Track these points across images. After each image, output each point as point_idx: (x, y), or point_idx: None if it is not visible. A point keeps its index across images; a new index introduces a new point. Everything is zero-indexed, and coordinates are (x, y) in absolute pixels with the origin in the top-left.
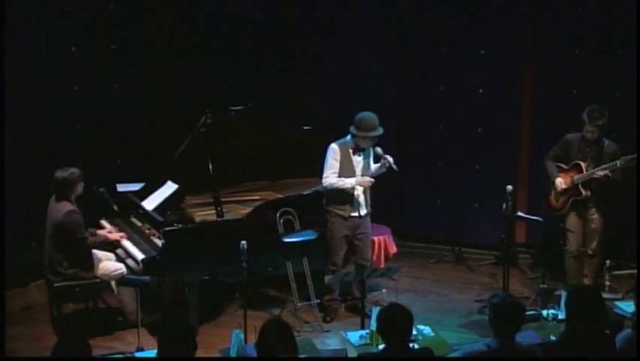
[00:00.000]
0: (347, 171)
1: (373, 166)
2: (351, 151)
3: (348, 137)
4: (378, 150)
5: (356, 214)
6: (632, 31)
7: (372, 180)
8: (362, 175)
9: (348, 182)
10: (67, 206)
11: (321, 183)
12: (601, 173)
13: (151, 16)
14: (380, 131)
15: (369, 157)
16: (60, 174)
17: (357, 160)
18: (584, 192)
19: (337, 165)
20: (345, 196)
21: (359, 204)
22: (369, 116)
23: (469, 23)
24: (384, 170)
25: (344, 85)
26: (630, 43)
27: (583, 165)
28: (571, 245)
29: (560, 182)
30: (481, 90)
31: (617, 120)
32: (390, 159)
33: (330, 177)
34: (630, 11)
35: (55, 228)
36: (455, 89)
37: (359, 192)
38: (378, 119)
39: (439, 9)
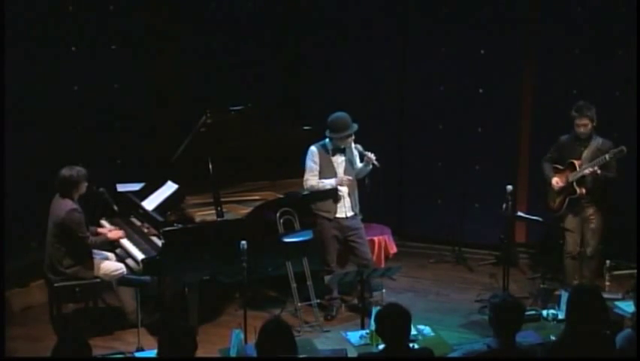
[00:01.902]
0: (328, 172)
1: (359, 165)
2: (330, 153)
3: (327, 139)
4: (359, 147)
5: (342, 215)
6: (632, 31)
7: (351, 178)
8: (345, 175)
9: (327, 183)
10: (69, 204)
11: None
12: (589, 170)
13: (151, 16)
14: (354, 128)
15: (351, 156)
16: (66, 171)
17: (338, 161)
18: (578, 190)
19: (316, 167)
20: (329, 199)
21: (344, 205)
22: (340, 116)
23: (469, 23)
24: (369, 167)
25: (344, 85)
26: (630, 43)
27: (577, 163)
28: (568, 246)
29: (557, 182)
30: (481, 90)
31: (617, 120)
32: (371, 155)
33: (310, 179)
34: (630, 11)
35: (56, 226)
36: (455, 89)
37: (344, 193)
38: (351, 118)
39: (439, 9)
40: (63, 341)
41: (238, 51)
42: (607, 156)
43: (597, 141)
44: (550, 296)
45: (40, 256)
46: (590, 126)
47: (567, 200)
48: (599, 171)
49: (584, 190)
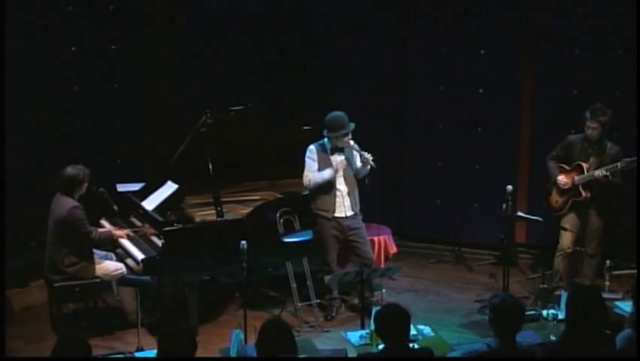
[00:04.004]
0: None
1: (359, 164)
2: (329, 152)
3: (326, 139)
4: (356, 146)
5: (341, 215)
6: (632, 31)
7: (344, 161)
8: (344, 175)
9: (325, 173)
10: (70, 202)
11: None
12: (601, 174)
13: (151, 17)
14: (351, 127)
15: (350, 155)
16: (71, 170)
17: (337, 160)
18: (583, 193)
19: (315, 164)
20: (328, 198)
21: (343, 205)
22: (337, 115)
23: (469, 23)
24: (367, 167)
25: (344, 85)
26: (630, 43)
27: (584, 166)
28: (563, 244)
29: (561, 181)
30: (481, 90)
31: (617, 120)
32: (368, 156)
33: (309, 175)
34: (630, 11)
35: (58, 224)
36: (455, 89)
37: (344, 193)
38: (351, 117)
39: (439, 9)
40: (63, 341)
41: (238, 51)
42: (619, 165)
43: (605, 144)
44: (550, 296)
45: (40, 256)
46: (599, 130)
47: (570, 201)
48: (610, 177)
49: (588, 194)
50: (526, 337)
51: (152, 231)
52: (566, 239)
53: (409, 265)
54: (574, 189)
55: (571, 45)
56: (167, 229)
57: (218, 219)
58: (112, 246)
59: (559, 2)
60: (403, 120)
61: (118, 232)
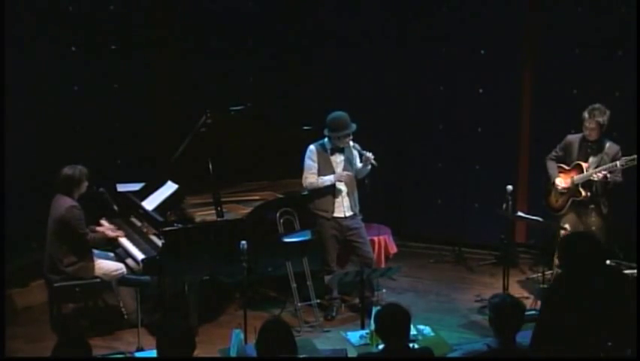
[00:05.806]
0: (327, 171)
1: (359, 165)
2: (329, 152)
3: (326, 138)
4: (357, 146)
5: (341, 215)
6: (632, 31)
7: (350, 173)
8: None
9: (327, 179)
10: (68, 201)
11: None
12: (600, 174)
13: (151, 16)
14: (353, 127)
15: (350, 155)
16: (68, 170)
17: (337, 160)
18: (583, 193)
19: (315, 165)
20: (327, 199)
21: (342, 205)
22: (339, 115)
23: (469, 23)
24: (368, 167)
25: (344, 85)
26: (630, 43)
27: (584, 165)
28: None
29: (561, 182)
30: (481, 90)
31: (617, 120)
32: (369, 155)
33: (309, 177)
34: (630, 11)
35: (56, 223)
36: (455, 89)
37: (343, 193)
38: (351, 118)
39: (439, 9)
40: (63, 341)
41: (238, 51)
42: (618, 163)
43: (604, 144)
44: None
45: (40, 256)
46: (597, 131)
47: (570, 201)
48: (608, 176)
49: (588, 193)
50: (526, 337)
51: (152, 231)
52: None
53: (409, 265)
54: (574, 188)
55: (571, 45)
56: (167, 229)
57: (218, 219)
58: (111, 246)
59: (559, 2)
60: (403, 120)
61: (111, 234)
